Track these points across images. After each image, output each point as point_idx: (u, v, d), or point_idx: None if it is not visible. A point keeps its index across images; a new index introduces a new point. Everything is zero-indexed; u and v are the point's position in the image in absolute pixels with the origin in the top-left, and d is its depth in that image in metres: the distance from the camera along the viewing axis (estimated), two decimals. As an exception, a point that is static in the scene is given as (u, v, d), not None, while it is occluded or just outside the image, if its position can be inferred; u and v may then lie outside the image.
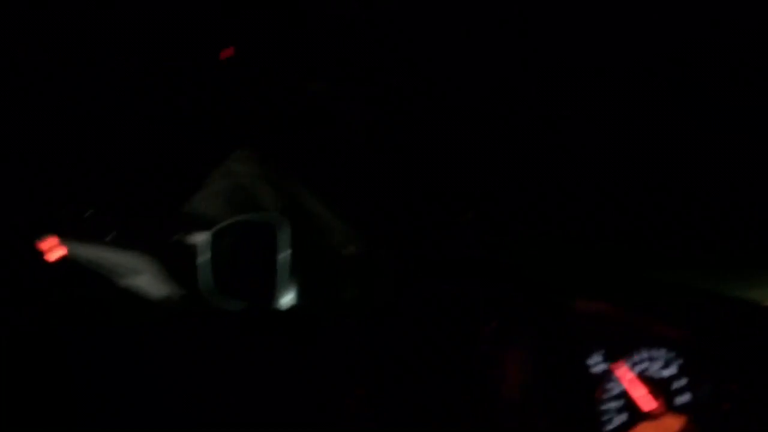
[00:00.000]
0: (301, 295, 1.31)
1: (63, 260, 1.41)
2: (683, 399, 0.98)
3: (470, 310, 1.15)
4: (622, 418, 1.04)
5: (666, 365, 1.03)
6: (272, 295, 1.30)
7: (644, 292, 1.14)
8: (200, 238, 1.33)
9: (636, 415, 1.03)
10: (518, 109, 1.71)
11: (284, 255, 1.31)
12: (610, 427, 1.05)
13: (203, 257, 1.33)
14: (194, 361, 1.27)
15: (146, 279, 1.43)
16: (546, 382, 1.05)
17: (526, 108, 1.71)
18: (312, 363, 1.24)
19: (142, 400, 1.17)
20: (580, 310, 1.12)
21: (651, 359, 1.05)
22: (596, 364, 1.12)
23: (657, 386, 1.03)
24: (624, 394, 1.06)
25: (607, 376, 1.09)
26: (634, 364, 1.07)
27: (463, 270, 1.19)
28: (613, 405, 1.06)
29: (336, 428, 1.09)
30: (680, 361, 1.01)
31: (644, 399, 1.02)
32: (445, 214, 1.41)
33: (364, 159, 1.59)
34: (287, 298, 1.31)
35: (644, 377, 1.05)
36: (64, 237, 1.42)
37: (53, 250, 1.39)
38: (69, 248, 1.43)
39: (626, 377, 1.05)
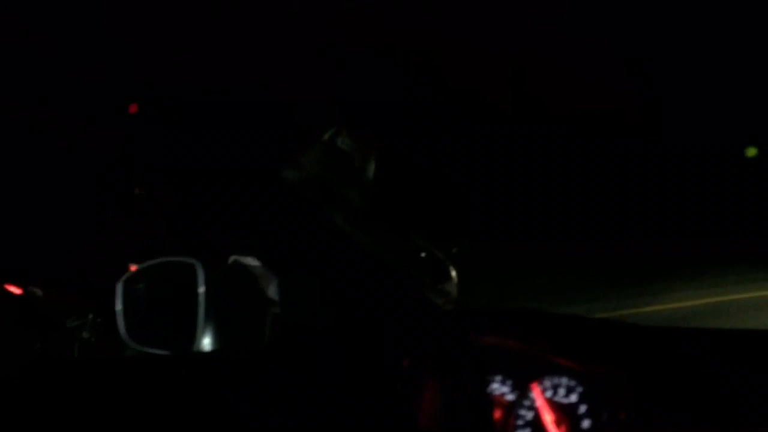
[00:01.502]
0: (222, 337, 1.32)
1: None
2: (585, 425, 1.08)
3: (383, 349, 1.21)
4: (532, 444, 1.13)
5: (568, 392, 1.13)
6: (192, 338, 1.31)
7: (542, 325, 1.23)
8: (117, 287, 1.32)
9: (544, 440, 1.12)
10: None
11: (203, 296, 1.32)
12: (522, 453, 1.13)
13: (118, 305, 1.33)
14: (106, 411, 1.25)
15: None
16: (460, 415, 1.12)
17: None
18: (233, 405, 1.26)
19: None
20: (486, 344, 1.20)
21: (555, 386, 1.14)
22: (506, 393, 1.20)
23: (562, 412, 1.12)
24: (533, 422, 1.15)
25: (517, 404, 1.18)
26: (542, 390, 1.16)
27: (376, 309, 1.25)
28: (524, 432, 1.15)
29: None
30: (581, 389, 1.11)
31: (553, 425, 1.12)
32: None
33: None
34: (208, 341, 1.32)
35: (551, 403, 1.14)
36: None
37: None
38: None
39: (539, 401, 1.14)
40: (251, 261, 1.46)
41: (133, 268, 1.38)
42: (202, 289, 1.32)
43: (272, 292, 1.37)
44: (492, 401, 1.21)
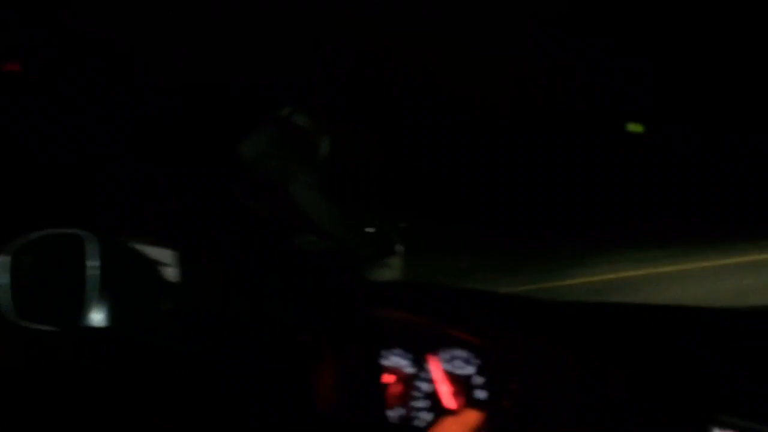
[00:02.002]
0: (113, 313, 1.26)
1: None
2: (481, 396, 1.09)
3: (284, 324, 1.18)
4: (429, 415, 1.13)
5: (465, 364, 1.13)
6: (81, 314, 1.25)
7: (440, 298, 1.24)
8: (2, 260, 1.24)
9: (440, 411, 1.12)
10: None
11: (94, 270, 1.26)
12: (419, 424, 1.14)
13: (2, 280, 1.25)
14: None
15: None
16: (358, 387, 1.11)
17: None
18: (122, 379, 1.21)
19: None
20: (385, 317, 1.19)
21: (452, 359, 1.15)
22: (405, 366, 1.20)
23: (459, 384, 1.13)
24: (430, 394, 1.15)
25: (416, 376, 1.18)
26: (440, 362, 1.16)
27: (278, 283, 1.22)
28: (421, 404, 1.15)
29: None
30: (478, 361, 1.12)
31: (449, 396, 1.12)
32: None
33: None
34: (99, 316, 1.26)
35: (448, 375, 1.14)
36: None
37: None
38: None
39: (436, 373, 1.14)
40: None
41: None
42: (91, 263, 1.25)
43: (166, 265, 1.32)
44: (400, 376, 1.20)
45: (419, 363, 1.18)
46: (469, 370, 1.13)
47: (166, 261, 1.34)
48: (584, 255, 8.47)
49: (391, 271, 1.88)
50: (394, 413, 1.18)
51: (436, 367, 1.15)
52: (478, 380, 1.11)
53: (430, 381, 1.17)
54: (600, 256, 8.47)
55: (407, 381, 1.19)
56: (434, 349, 1.16)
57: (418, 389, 1.17)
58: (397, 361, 1.22)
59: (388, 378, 1.20)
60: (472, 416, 1.08)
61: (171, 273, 1.36)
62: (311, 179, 1.76)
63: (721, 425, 0.84)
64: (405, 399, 1.18)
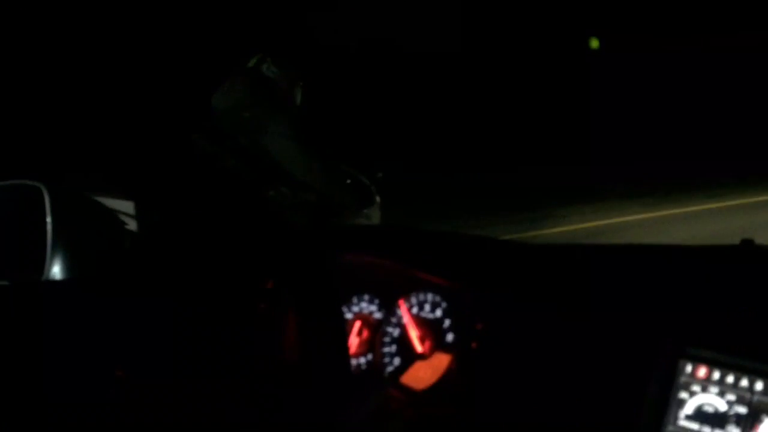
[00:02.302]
0: (73, 265, 1.23)
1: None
2: (449, 338, 1.07)
3: (246, 270, 1.15)
4: (398, 360, 1.12)
5: (434, 308, 1.11)
6: (40, 267, 1.21)
7: (408, 241, 1.21)
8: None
9: (410, 356, 1.11)
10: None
11: (53, 221, 1.22)
12: (390, 369, 1.12)
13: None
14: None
15: None
16: (325, 334, 1.09)
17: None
18: (85, 332, 1.18)
19: None
20: (349, 263, 1.17)
21: (421, 303, 1.13)
22: (374, 312, 1.18)
23: (427, 327, 1.11)
24: (398, 339, 1.13)
25: (385, 322, 1.16)
26: (409, 307, 1.14)
27: (238, 230, 1.19)
28: (391, 349, 1.13)
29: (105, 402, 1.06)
30: (445, 305, 1.10)
31: (418, 340, 1.10)
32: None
33: None
34: (57, 269, 1.23)
35: (417, 319, 1.12)
36: None
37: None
38: None
39: (405, 317, 1.12)
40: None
41: None
42: (49, 217, 1.21)
43: (126, 211, 1.29)
44: (367, 321, 1.18)
45: (388, 308, 1.16)
46: (438, 313, 1.11)
47: (126, 211, 1.30)
48: (563, 198, 8.47)
49: (368, 220, 1.87)
50: (363, 359, 1.16)
51: (405, 312, 1.13)
52: (447, 323, 1.09)
53: (398, 326, 1.15)
54: (580, 201, 8.47)
55: (376, 326, 1.17)
56: (403, 293, 1.14)
57: (387, 334, 1.15)
58: (365, 306, 1.20)
59: (356, 323, 1.18)
60: (442, 359, 1.07)
61: (130, 223, 1.32)
62: (285, 130, 1.73)
63: (690, 358, 0.83)
64: (374, 345, 1.17)
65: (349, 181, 1.96)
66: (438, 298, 1.11)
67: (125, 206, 1.31)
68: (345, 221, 1.76)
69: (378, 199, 1.96)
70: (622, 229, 7.20)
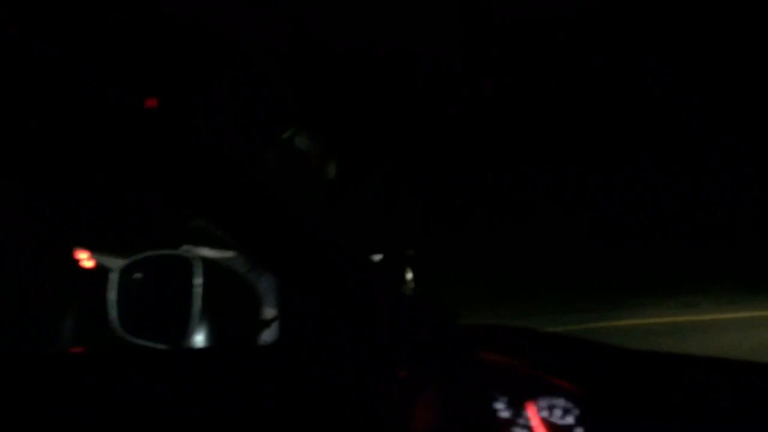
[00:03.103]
0: (215, 333, 1.31)
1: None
2: (581, 447, 1.07)
3: (381, 358, 1.19)
4: (526, 463, 1.12)
5: (564, 414, 1.12)
6: (184, 332, 1.29)
7: (540, 345, 1.23)
8: (111, 276, 1.30)
9: (538, 460, 1.11)
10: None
11: (198, 291, 1.30)
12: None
13: (111, 295, 1.30)
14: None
15: None
16: (455, 429, 1.11)
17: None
18: (224, 403, 1.24)
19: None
20: (483, 360, 1.19)
21: (551, 407, 1.14)
22: (501, 410, 1.20)
23: (557, 433, 1.12)
24: (527, 441, 1.14)
25: (512, 422, 1.17)
26: (538, 410, 1.15)
27: (371, 316, 1.24)
28: (518, 451, 1.14)
29: None
30: (577, 411, 1.11)
31: (546, 445, 1.11)
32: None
33: None
34: (200, 336, 1.31)
35: (546, 423, 1.13)
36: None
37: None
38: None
39: (534, 420, 1.13)
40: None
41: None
42: (198, 281, 1.30)
43: (264, 290, 1.36)
44: (496, 420, 1.20)
45: (516, 408, 1.18)
46: (569, 420, 1.12)
47: (269, 287, 1.38)
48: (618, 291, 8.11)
49: None
50: (488, 458, 1.17)
51: (534, 414, 1.14)
52: (579, 431, 1.10)
53: (526, 427, 1.16)
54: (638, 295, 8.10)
55: (502, 426, 1.18)
56: (532, 395, 1.15)
57: (514, 435, 1.16)
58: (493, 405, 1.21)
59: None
60: (572, 468, 1.07)
61: (271, 299, 1.40)
62: (316, 202, 1.75)
63: None
64: (499, 444, 1.17)
65: (379, 257, 1.92)
66: (570, 405, 1.12)
67: (266, 281, 1.39)
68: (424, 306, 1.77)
69: (409, 276, 1.92)
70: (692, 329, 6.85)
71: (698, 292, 8.41)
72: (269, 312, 1.38)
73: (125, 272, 1.34)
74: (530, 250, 9.15)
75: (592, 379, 1.12)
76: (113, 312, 1.31)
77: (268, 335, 1.35)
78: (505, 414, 1.20)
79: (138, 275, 1.36)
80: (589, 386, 1.11)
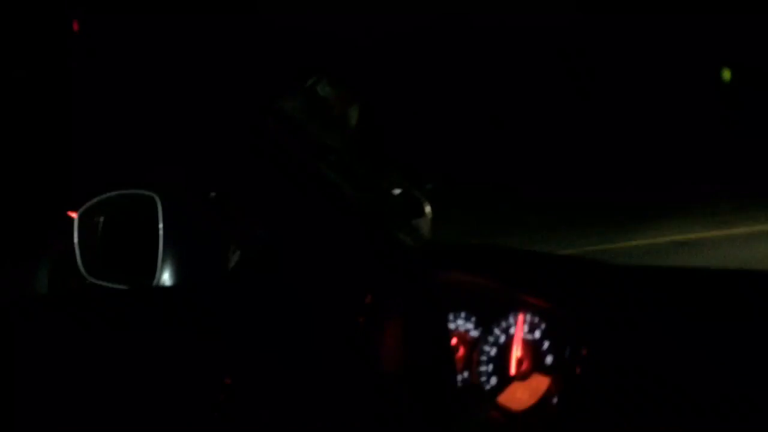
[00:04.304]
0: (182, 272, 1.29)
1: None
2: (548, 361, 1.07)
3: (344, 284, 1.18)
4: (495, 380, 1.12)
5: (532, 329, 1.11)
6: (152, 273, 1.28)
7: (505, 261, 1.21)
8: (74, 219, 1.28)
9: (505, 376, 1.11)
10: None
11: (165, 229, 1.28)
12: (486, 388, 1.13)
13: (75, 238, 1.29)
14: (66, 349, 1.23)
15: None
16: (420, 351, 1.11)
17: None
18: (192, 341, 1.23)
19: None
20: (450, 280, 1.18)
21: (518, 323, 1.13)
22: (470, 330, 1.19)
23: (526, 348, 1.11)
24: (495, 358, 1.14)
25: (481, 340, 1.17)
26: (507, 327, 1.15)
27: (338, 244, 1.22)
28: (487, 368, 1.14)
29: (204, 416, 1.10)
30: (544, 325, 1.10)
31: (517, 360, 1.11)
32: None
33: None
34: (167, 275, 1.29)
35: (516, 339, 1.13)
36: None
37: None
38: None
39: (507, 336, 1.13)
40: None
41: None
42: (161, 224, 1.28)
43: (233, 224, 1.34)
44: (450, 338, 1.19)
45: (485, 326, 1.17)
46: (537, 334, 1.11)
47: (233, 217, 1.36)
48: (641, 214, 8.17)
49: (419, 232, 1.85)
50: (459, 377, 1.17)
51: (519, 328, 1.12)
52: (545, 345, 1.09)
53: (495, 345, 1.16)
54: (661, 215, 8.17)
55: (472, 345, 1.18)
56: (501, 312, 1.15)
57: (484, 353, 1.16)
58: (461, 323, 1.21)
59: (452, 340, 1.19)
60: (541, 381, 1.07)
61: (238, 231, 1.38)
62: (338, 146, 1.76)
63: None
64: (469, 363, 1.18)
65: (398, 192, 1.94)
66: (537, 319, 1.11)
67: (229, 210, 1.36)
68: (395, 232, 1.77)
69: (428, 210, 1.93)
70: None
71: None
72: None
73: (86, 215, 1.32)
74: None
75: (562, 294, 1.11)
76: (78, 255, 1.30)
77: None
78: (474, 333, 1.19)
79: (100, 218, 1.34)
80: (558, 301, 1.10)
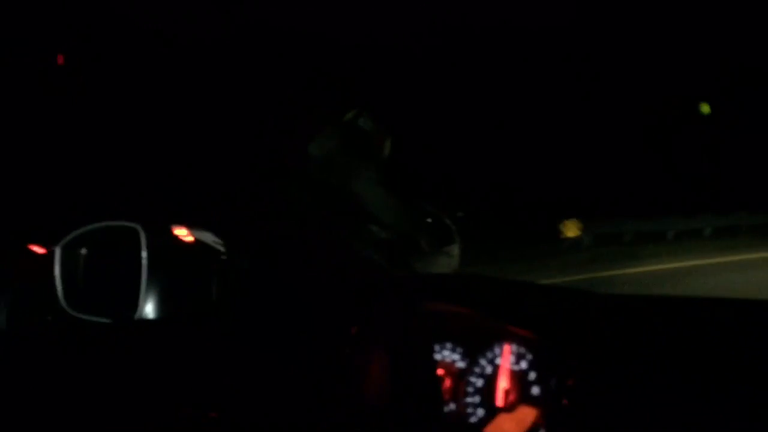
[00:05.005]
0: (165, 304, 1.28)
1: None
2: (534, 392, 1.07)
3: (330, 314, 1.17)
4: (482, 411, 1.11)
5: (518, 360, 1.11)
6: (134, 306, 1.26)
7: (492, 291, 1.21)
8: (55, 251, 1.27)
9: (492, 407, 1.10)
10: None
11: (147, 262, 1.27)
12: (473, 420, 1.12)
13: (56, 271, 1.27)
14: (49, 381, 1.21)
15: None
16: (409, 382, 1.10)
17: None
18: (175, 372, 1.22)
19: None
20: (432, 311, 1.17)
21: (504, 354, 1.13)
22: (456, 361, 1.18)
23: (512, 379, 1.11)
24: (482, 389, 1.13)
25: (468, 371, 1.16)
26: (493, 358, 1.14)
27: (322, 275, 1.22)
28: (474, 399, 1.13)
29: None
30: (530, 356, 1.09)
31: (504, 391, 1.10)
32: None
33: None
34: (150, 308, 1.28)
35: (502, 370, 1.12)
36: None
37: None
38: None
39: (493, 368, 1.12)
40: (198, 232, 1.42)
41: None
42: (144, 254, 1.26)
43: (217, 258, 1.33)
44: (436, 369, 1.18)
45: (471, 357, 1.16)
46: (523, 365, 1.10)
47: (219, 253, 1.35)
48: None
49: (449, 259, 1.89)
50: (445, 408, 1.16)
51: (506, 359, 1.12)
52: (532, 376, 1.09)
53: (482, 376, 1.15)
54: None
55: (458, 376, 1.17)
56: (487, 343, 1.14)
57: (470, 384, 1.15)
58: (448, 355, 1.20)
59: (438, 372, 1.18)
60: (527, 413, 1.06)
61: (223, 265, 1.37)
62: (375, 175, 1.81)
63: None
64: (456, 394, 1.17)
65: (429, 220, 2.01)
66: (523, 350, 1.11)
67: (215, 247, 1.35)
68: (425, 260, 1.80)
69: (458, 238, 2.00)
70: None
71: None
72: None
73: (68, 247, 1.30)
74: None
75: (545, 324, 1.11)
76: (59, 288, 1.28)
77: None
78: (460, 364, 1.19)
79: (83, 250, 1.32)
80: (543, 331, 1.10)
